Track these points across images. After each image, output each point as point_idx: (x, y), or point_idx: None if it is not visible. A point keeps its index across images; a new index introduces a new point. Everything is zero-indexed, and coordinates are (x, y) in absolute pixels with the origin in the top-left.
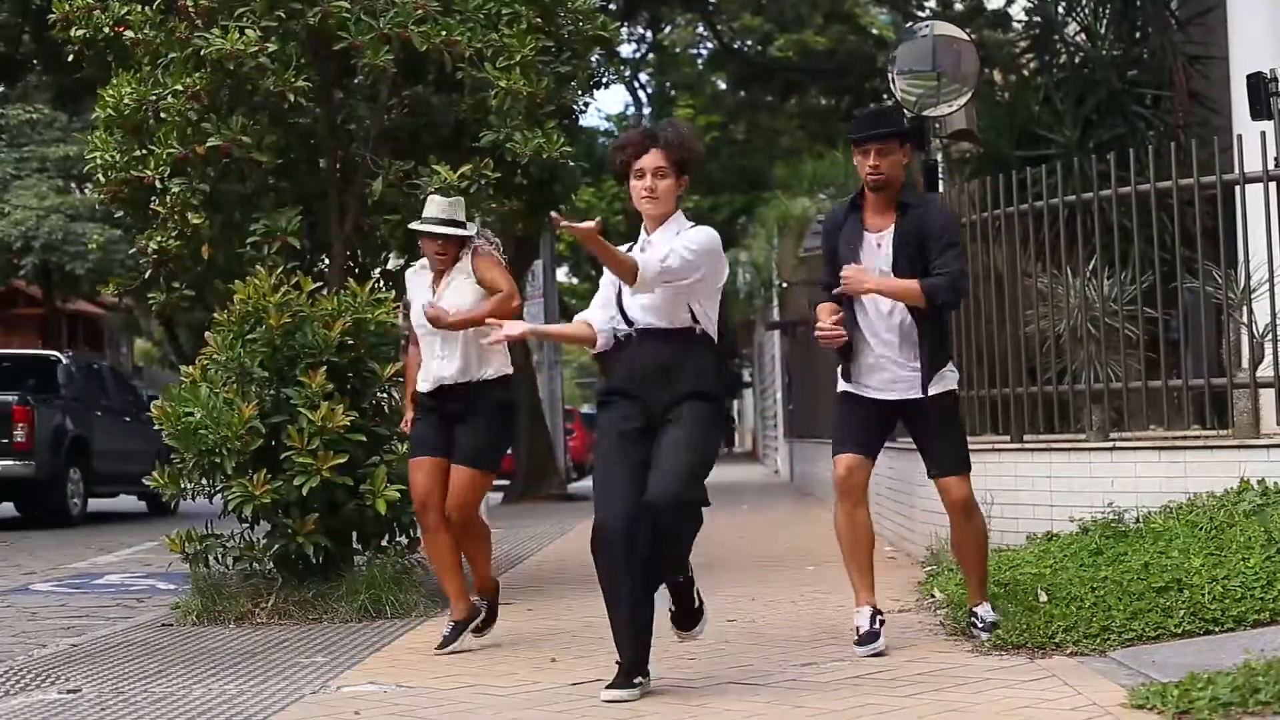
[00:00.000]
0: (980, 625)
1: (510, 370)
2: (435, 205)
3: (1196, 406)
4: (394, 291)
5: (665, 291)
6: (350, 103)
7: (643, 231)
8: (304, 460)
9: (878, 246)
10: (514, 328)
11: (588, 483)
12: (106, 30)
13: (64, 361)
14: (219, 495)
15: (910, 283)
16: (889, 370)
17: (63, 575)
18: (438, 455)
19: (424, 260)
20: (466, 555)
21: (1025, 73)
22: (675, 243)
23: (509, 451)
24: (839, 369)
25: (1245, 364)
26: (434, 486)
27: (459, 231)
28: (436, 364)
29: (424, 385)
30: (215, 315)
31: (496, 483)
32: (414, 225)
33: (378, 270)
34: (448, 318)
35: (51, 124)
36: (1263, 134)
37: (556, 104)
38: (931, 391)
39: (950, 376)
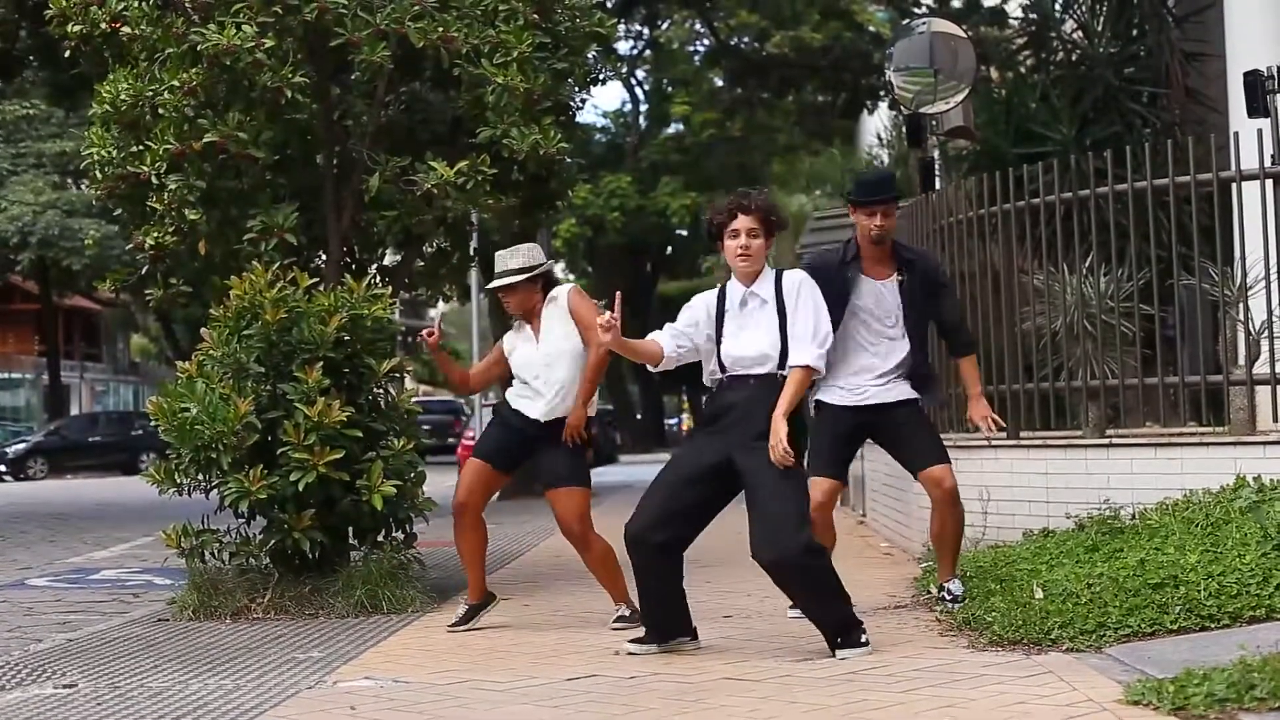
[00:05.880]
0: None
1: (595, 410)
2: (497, 261)
3: (1193, 403)
4: (389, 287)
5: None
6: (347, 99)
7: (735, 283)
8: (300, 456)
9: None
10: (604, 338)
11: None
12: (103, 26)
13: None
14: (215, 490)
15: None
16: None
17: (58, 570)
18: (495, 467)
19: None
20: (596, 574)
21: (1022, 70)
22: (798, 317)
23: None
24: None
25: (1241, 361)
26: (479, 489)
27: (514, 279)
28: (521, 400)
29: (512, 401)
30: (212, 311)
31: None
32: (488, 289)
33: (374, 266)
34: (578, 434)
35: (48, 120)
36: (1259, 131)
37: (553, 100)
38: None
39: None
